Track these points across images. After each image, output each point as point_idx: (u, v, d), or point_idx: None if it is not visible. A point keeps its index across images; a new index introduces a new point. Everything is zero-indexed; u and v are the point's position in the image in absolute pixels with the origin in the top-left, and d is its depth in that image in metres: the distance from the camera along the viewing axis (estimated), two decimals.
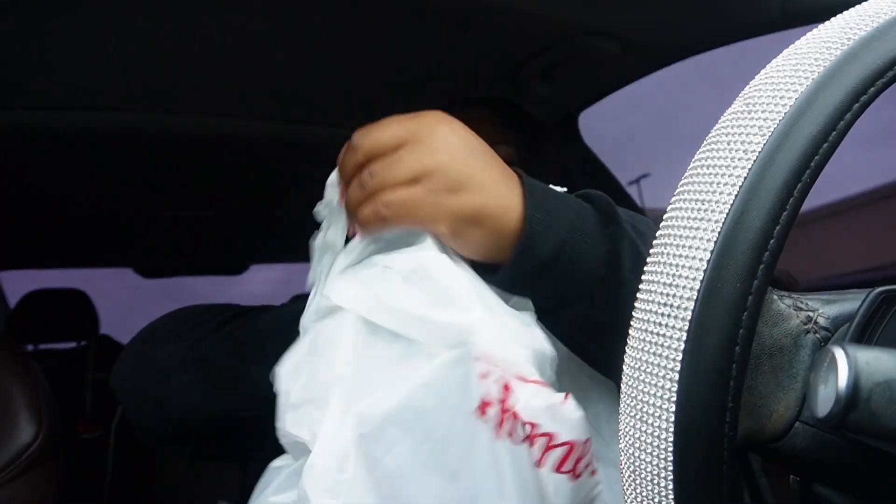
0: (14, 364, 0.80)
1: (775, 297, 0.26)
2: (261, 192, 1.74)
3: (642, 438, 0.24)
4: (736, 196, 0.23)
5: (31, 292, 2.09)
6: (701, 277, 0.23)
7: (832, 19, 0.26)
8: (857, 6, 0.26)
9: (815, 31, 0.26)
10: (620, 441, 0.25)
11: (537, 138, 0.88)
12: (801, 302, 0.26)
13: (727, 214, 0.23)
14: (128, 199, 1.70)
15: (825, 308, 0.26)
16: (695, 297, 0.22)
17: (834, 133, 0.23)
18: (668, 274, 0.24)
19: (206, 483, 2.14)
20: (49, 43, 0.90)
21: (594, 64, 1.02)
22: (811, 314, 0.26)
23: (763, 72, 0.26)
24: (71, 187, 1.56)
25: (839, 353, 0.21)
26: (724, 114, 0.26)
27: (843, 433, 0.24)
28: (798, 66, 0.25)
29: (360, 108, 1.23)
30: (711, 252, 0.23)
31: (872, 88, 0.23)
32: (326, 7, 0.87)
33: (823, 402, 0.22)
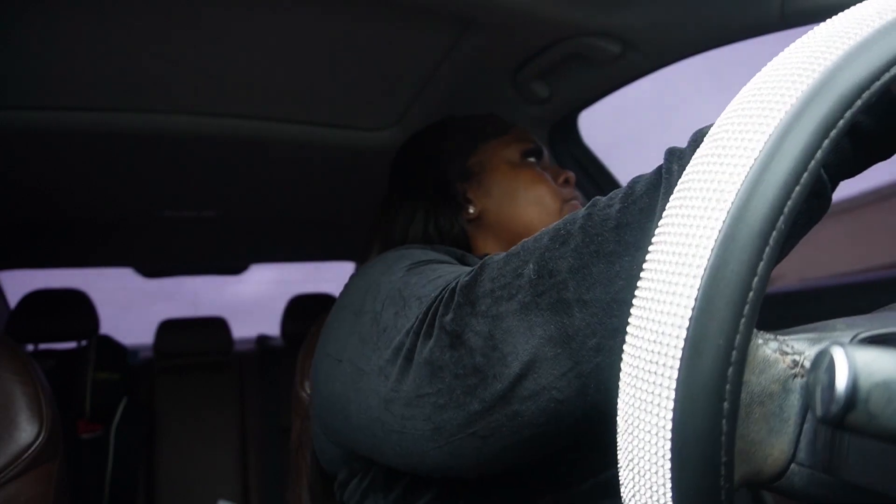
0: (14, 364, 0.81)
1: (760, 341, 0.26)
2: (261, 192, 1.74)
3: (641, 492, 0.24)
4: (712, 250, 0.22)
5: (31, 292, 2.09)
6: (684, 335, 0.22)
7: (800, 40, 0.26)
8: (819, 27, 0.26)
9: (782, 55, 0.26)
10: (622, 490, 0.25)
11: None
12: (787, 345, 0.26)
13: (705, 269, 0.22)
14: (128, 199, 1.70)
15: (811, 350, 0.26)
16: (679, 356, 0.22)
17: (806, 175, 0.22)
18: (652, 330, 0.24)
19: (206, 483, 2.15)
20: (49, 43, 0.90)
21: (594, 64, 1.02)
22: (797, 357, 0.26)
23: (732, 105, 0.26)
24: (71, 187, 1.56)
25: (838, 353, 0.21)
26: (696, 154, 0.26)
27: (836, 474, 0.24)
28: (764, 102, 0.24)
29: (359, 109, 1.23)
30: (693, 309, 0.22)
31: (841, 121, 0.23)
32: (326, 7, 0.87)
33: (822, 402, 0.22)
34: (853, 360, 0.21)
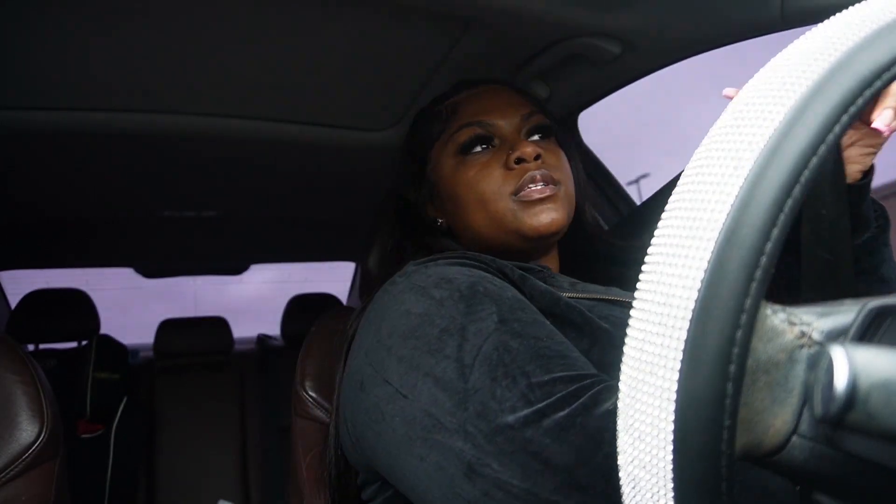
0: (15, 364, 0.81)
1: (769, 311, 0.26)
2: (261, 192, 1.74)
3: (641, 457, 0.24)
4: (728, 214, 0.23)
5: (31, 292, 2.10)
6: (695, 297, 0.23)
7: (819, 27, 0.26)
8: (842, 13, 0.26)
9: (802, 39, 0.27)
10: (619, 457, 0.25)
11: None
12: (795, 316, 0.26)
13: (719, 232, 0.23)
14: (128, 199, 1.70)
15: (819, 322, 0.26)
16: (689, 317, 0.23)
17: (823, 146, 0.23)
18: (662, 293, 0.24)
19: (206, 482, 2.15)
20: (49, 43, 0.90)
21: (594, 64, 1.02)
22: (805, 329, 0.26)
23: (751, 83, 0.26)
24: (71, 187, 1.56)
25: (838, 353, 0.21)
26: (714, 126, 0.26)
27: (838, 447, 0.24)
28: (786, 78, 0.25)
29: (359, 109, 1.23)
30: (705, 271, 0.23)
31: (860, 99, 0.23)
32: (326, 7, 0.87)
33: (822, 401, 0.22)
34: (853, 360, 0.21)
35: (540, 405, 0.44)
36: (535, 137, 0.77)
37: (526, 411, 0.44)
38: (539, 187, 0.71)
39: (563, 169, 0.75)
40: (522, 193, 0.71)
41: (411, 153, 0.83)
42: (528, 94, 0.83)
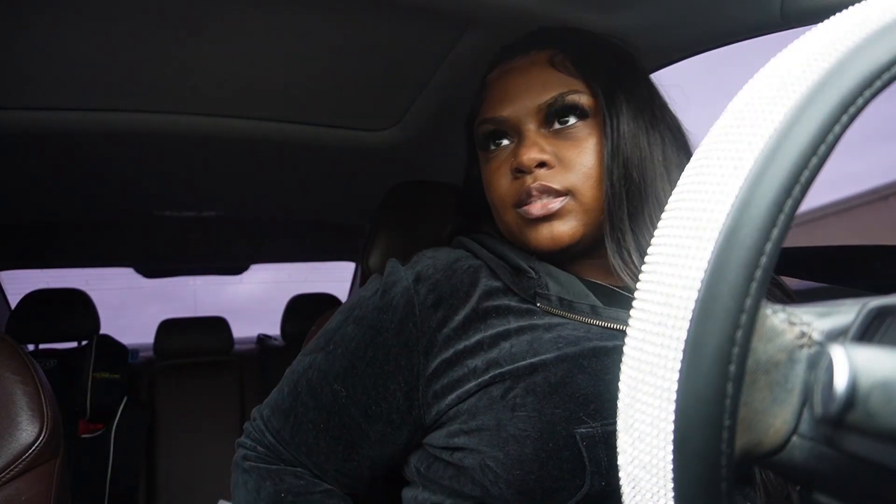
0: (15, 364, 0.81)
1: (769, 311, 0.26)
2: (261, 192, 1.74)
3: (641, 457, 0.24)
4: (728, 214, 0.23)
5: (31, 292, 2.10)
6: (695, 297, 0.23)
7: (819, 27, 0.26)
8: (842, 13, 0.26)
9: (801, 39, 0.27)
10: (619, 457, 0.26)
11: (622, 77, 0.69)
12: (795, 316, 0.26)
13: (720, 233, 0.23)
14: (128, 200, 1.70)
15: (819, 322, 0.26)
16: (689, 317, 0.23)
17: (822, 146, 0.23)
18: (662, 293, 0.24)
19: (206, 483, 2.15)
20: (49, 43, 0.90)
21: None
22: (805, 329, 0.26)
23: (751, 83, 0.26)
24: (71, 187, 1.56)
25: (838, 353, 0.21)
26: (714, 126, 0.26)
27: (838, 446, 0.24)
28: (786, 78, 0.25)
29: (359, 109, 1.23)
30: (705, 271, 0.23)
31: (860, 99, 0.23)
32: (326, 7, 0.87)
33: (822, 401, 0.22)
34: (853, 360, 0.21)
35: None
36: (557, 127, 0.65)
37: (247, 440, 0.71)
38: (536, 204, 0.63)
39: (582, 168, 0.64)
40: (522, 209, 0.64)
41: (468, 127, 0.77)
42: (571, 66, 0.67)
